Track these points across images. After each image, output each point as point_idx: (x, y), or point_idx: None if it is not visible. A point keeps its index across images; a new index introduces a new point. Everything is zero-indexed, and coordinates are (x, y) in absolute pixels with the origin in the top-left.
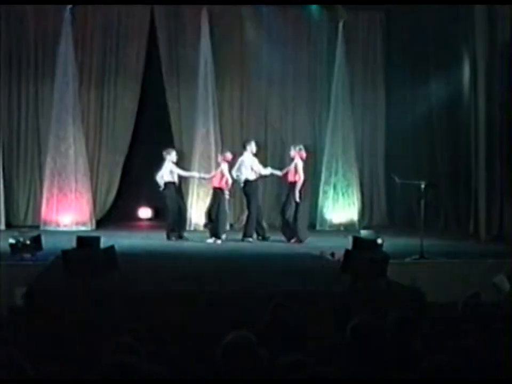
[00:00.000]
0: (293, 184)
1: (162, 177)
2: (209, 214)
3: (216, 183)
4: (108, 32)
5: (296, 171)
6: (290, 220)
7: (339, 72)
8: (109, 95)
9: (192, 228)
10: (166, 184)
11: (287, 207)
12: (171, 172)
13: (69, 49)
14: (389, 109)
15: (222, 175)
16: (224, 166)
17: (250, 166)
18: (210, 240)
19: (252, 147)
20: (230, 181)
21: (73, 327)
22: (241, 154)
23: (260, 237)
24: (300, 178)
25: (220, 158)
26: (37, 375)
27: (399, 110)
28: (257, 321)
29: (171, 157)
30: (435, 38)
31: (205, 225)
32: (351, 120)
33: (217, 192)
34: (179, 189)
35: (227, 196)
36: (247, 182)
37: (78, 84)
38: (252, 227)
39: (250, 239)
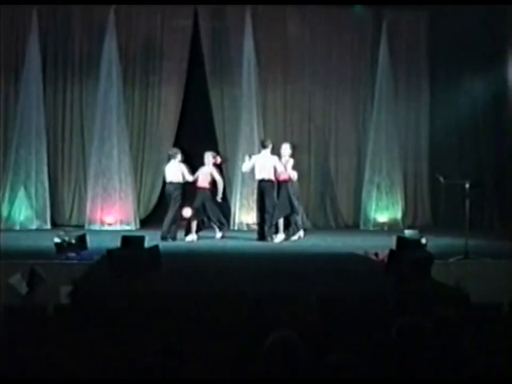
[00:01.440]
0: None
1: (181, 176)
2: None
3: (202, 183)
4: (151, 33)
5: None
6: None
7: (383, 71)
8: (153, 95)
9: (236, 228)
10: (179, 184)
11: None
12: (182, 173)
13: (113, 49)
14: (433, 108)
15: (209, 176)
16: (213, 168)
17: (274, 166)
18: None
19: (270, 147)
20: (221, 184)
21: (118, 326)
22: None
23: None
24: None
25: (210, 159)
26: (81, 374)
27: (443, 109)
28: (301, 321)
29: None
30: (480, 36)
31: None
32: (395, 119)
33: (201, 192)
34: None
35: (219, 199)
36: (266, 181)
37: (122, 84)
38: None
39: (269, 239)
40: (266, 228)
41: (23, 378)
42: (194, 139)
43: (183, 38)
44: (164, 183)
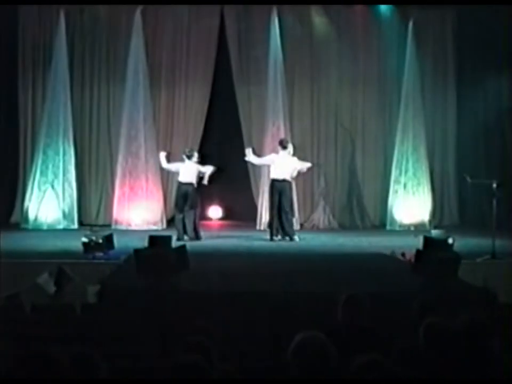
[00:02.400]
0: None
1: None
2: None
3: (188, 178)
4: (178, 33)
5: None
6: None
7: (409, 71)
8: (179, 95)
9: (262, 228)
10: (195, 185)
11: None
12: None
13: (140, 49)
14: (460, 108)
15: (194, 172)
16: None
17: (294, 167)
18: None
19: (290, 148)
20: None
21: (144, 325)
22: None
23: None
24: None
25: (193, 155)
26: (109, 373)
27: (470, 109)
28: (328, 321)
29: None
30: (506, 35)
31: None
32: (422, 119)
33: (189, 187)
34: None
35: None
36: (286, 181)
37: (149, 84)
38: (292, 226)
39: (296, 238)
40: (287, 227)
41: (52, 378)
42: (221, 139)
43: (210, 38)
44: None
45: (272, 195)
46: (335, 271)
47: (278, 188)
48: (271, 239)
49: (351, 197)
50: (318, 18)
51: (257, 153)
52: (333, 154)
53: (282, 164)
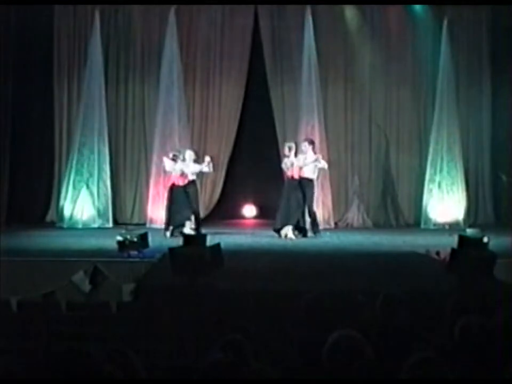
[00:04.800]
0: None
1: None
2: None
3: (181, 181)
4: (212, 32)
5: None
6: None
7: (444, 69)
8: (213, 94)
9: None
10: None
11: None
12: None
13: (174, 49)
14: (495, 105)
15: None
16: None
17: (315, 165)
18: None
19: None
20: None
21: (180, 324)
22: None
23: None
24: None
25: (186, 155)
26: (146, 372)
27: (505, 107)
28: (363, 321)
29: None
30: None
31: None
32: (457, 117)
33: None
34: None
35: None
36: (309, 180)
37: (183, 84)
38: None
39: (322, 233)
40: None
41: (88, 376)
42: (254, 138)
43: (243, 37)
44: (226, 181)
45: (298, 193)
46: (370, 270)
47: (302, 186)
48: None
49: (385, 195)
50: (352, 17)
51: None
52: (367, 152)
53: (309, 164)
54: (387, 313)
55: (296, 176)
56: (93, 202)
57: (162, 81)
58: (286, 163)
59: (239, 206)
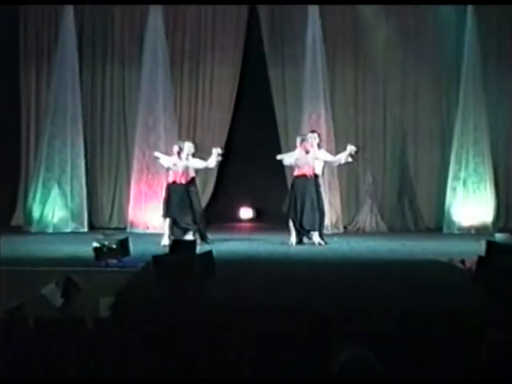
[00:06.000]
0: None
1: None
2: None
3: (184, 179)
4: (202, 6)
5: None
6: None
7: (469, 55)
8: (204, 79)
9: None
10: (193, 178)
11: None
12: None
13: (159, 26)
14: None
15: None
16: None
17: (325, 160)
18: None
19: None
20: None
21: (166, 342)
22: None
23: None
24: None
25: (185, 148)
26: None
27: None
28: (377, 339)
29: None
30: None
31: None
32: (484, 107)
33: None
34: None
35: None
36: (317, 176)
37: (170, 67)
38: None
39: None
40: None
41: None
42: (251, 129)
43: (239, 12)
44: (219, 179)
45: (313, 193)
46: (385, 282)
47: (317, 185)
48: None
49: (402, 195)
50: None
51: (294, 143)
52: (381, 146)
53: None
54: (404, 330)
55: (309, 174)
56: (66, 203)
57: (145, 64)
58: (298, 158)
59: (234, 208)
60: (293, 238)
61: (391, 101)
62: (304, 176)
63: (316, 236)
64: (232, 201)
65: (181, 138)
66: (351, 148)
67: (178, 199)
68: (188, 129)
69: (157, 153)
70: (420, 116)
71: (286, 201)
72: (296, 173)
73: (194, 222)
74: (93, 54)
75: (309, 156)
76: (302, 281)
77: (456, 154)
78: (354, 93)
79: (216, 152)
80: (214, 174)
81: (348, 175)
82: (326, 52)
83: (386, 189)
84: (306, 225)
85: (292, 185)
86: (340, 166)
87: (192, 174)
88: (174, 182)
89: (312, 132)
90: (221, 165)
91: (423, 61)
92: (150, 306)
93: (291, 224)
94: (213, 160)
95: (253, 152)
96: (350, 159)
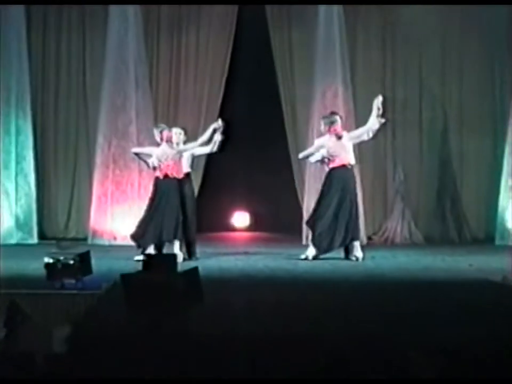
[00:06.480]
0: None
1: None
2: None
3: (176, 172)
4: None
5: None
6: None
7: None
8: (187, 46)
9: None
10: (187, 174)
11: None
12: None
13: None
14: None
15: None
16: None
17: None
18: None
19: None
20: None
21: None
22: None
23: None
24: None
25: (170, 134)
26: None
27: None
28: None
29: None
30: None
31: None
32: None
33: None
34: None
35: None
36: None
37: (143, 32)
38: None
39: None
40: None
41: None
42: (249, 111)
43: None
44: (205, 176)
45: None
46: (421, 308)
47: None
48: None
49: (443, 196)
50: None
51: (302, 128)
52: (415, 134)
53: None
54: (448, 372)
55: (348, 163)
56: (9, 207)
57: (111, 28)
58: (331, 147)
59: (227, 214)
60: (311, 251)
61: (429, 77)
62: (343, 167)
63: (357, 248)
64: (224, 204)
65: (157, 122)
66: (378, 101)
67: (167, 198)
68: (167, 111)
69: (136, 149)
70: (466, 97)
71: (322, 202)
72: (332, 164)
73: (184, 231)
74: (44, 15)
75: (343, 140)
76: (314, 309)
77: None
78: (381, 65)
79: (218, 126)
80: (200, 169)
81: (373, 170)
82: (345, 11)
83: (422, 188)
84: (351, 233)
85: (329, 179)
86: (362, 159)
87: (186, 168)
88: (166, 176)
89: (332, 113)
90: (208, 156)
91: (470, 31)
92: (117, 340)
93: (318, 231)
94: (215, 142)
95: (251, 141)
96: (382, 120)
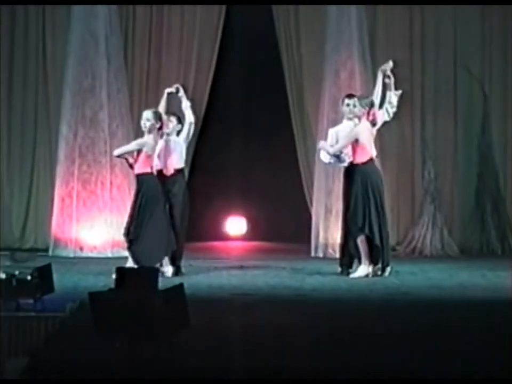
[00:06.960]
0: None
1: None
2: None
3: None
4: None
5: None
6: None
7: None
8: (170, 15)
9: (321, 253)
10: (179, 171)
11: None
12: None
13: None
14: None
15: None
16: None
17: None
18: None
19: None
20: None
21: None
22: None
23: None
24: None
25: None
26: None
27: None
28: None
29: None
30: None
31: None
32: None
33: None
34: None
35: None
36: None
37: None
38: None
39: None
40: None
41: None
42: (245, 91)
43: None
44: (192, 174)
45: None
46: (453, 334)
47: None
48: (342, 272)
49: (482, 198)
50: None
51: (311, 119)
52: (449, 121)
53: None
54: None
55: (369, 159)
56: None
57: None
58: (362, 134)
59: (218, 219)
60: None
61: (465, 53)
62: (372, 161)
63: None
64: (215, 208)
65: (132, 107)
66: (387, 67)
67: (148, 198)
68: (145, 95)
69: (118, 151)
70: (510, 77)
71: (356, 207)
72: (360, 158)
73: (172, 246)
74: None
75: (376, 128)
76: (324, 339)
77: None
78: (408, 38)
79: (171, 91)
80: (186, 166)
81: (397, 167)
82: None
83: (457, 188)
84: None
85: (358, 177)
86: (384, 152)
87: (177, 164)
88: (150, 173)
89: (349, 96)
90: (197, 155)
91: None
92: (83, 373)
93: (359, 242)
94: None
95: (247, 132)
96: (397, 92)
